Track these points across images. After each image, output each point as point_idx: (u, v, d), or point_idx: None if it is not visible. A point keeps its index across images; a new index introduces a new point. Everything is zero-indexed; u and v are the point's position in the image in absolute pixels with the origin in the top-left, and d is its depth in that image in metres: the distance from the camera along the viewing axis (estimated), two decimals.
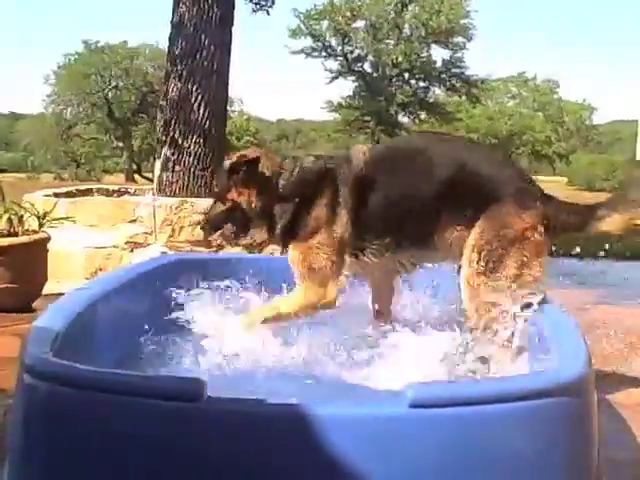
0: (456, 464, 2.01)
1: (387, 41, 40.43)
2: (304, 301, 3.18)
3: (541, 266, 3.08)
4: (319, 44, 40.45)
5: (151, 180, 8.25)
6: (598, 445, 2.33)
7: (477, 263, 3.03)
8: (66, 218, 6.15)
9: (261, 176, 3.24)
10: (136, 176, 39.46)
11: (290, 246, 3.23)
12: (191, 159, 7.59)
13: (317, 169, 3.26)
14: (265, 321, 3.15)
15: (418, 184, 3.12)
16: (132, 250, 6.58)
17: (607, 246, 8.27)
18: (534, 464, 2.10)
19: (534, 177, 3.53)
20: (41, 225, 5.78)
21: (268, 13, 9.93)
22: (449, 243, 3.14)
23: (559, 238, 3.24)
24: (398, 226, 3.15)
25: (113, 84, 41.36)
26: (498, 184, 3.08)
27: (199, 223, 3.54)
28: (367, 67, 41.62)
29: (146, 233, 6.63)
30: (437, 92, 42.55)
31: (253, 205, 3.24)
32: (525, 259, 3.03)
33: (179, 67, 7.69)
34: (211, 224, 3.38)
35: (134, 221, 6.69)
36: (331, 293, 3.18)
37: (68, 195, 7.31)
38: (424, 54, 40.49)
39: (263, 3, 10.24)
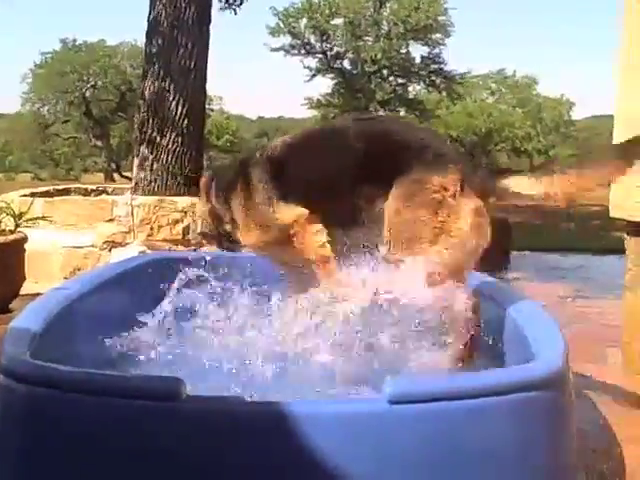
0: (437, 459, 2.02)
1: (366, 38, 40.44)
2: (303, 232, 3.11)
3: (461, 231, 2.86)
4: (298, 42, 40.40)
5: (130, 179, 8.20)
6: (575, 436, 2.35)
7: (389, 244, 2.91)
8: (42, 218, 6.11)
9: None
10: (115, 175, 39.23)
11: (243, 239, 3.26)
12: (169, 158, 7.56)
13: (229, 165, 3.39)
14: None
15: (332, 160, 3.08)
16: (110, 250, 6.54)
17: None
18: (514, 458, 2.11)
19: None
20: (17, 225, 5.74)
21: (235, 12, 9.87)
22: (374, 215, 2.99)
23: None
24: (320, 204, 3.05)
25: (91, 83, 41.05)
26: (411, 151, 2.95)
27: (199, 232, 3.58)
28: (346, 64, 41.64)
29: (124, 232, 6.60)
30: (417, 89, 42.70)
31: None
32: (439, 226, 2.86)
33: (156, 65, 7.65)
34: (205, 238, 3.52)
35: (112, 220, 6.65)
36: (299, 213, 3.10)
37: (45, 195, 7.25)
38: (403, 51, 40.57)
39: (231, 1, 10.20)
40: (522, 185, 3.00)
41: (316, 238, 3.07)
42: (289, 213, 3.07)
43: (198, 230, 3.52)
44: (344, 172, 3.02)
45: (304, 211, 3.06)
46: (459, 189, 2.88)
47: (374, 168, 2.95)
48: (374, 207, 2.98)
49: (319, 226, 3.07)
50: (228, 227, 3.34)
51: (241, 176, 3.19)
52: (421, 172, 2.90)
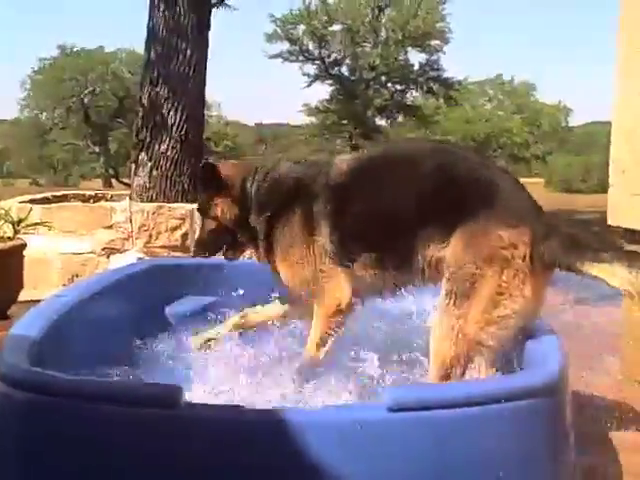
0: (436, 466, 2.02)
1: (364, 45, 40.49)
2: (322, 318, 2.89)
3: (525, 299, 2.58)
4: (296, 48, 40.44)
5: (129, 185, 8.20)
6: (573, 443, 2.36)
7: (447, 298, 2.64)
8: (41, 224, 6.10)
9: (227, 186, 3.07)
10: (113, 181, 39.21)
11: (277, 266, 3.01)
12: (168, 164, 7.56)
13: (292, 179, 3.00)
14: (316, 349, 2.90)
15: (397, 196, 2.79)
16: (109, 256, 6.54)
17: None
18: (513, 464, 2.12)
19: None
20: (16, 232, 5.74)
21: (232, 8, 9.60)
22: (430, 263, 2.75)
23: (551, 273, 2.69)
24: (378, 241, 2.81)
25: (89, 89, 41.04)
26: (483, 197, 2.67)
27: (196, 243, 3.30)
28: (344, 71, 41.65)
29: (123, 239, 6.60)
30: (414, 95, 42.72)
31: (229, 217, 3.08)
32: (503, 286, 2.58)
33: (155, 72, 7.66)
34: (204, 247, 3.21)
35: (111, 227, 6.65)
36: (338, 297, 2.87)
37: (44, 201, 7.25)
38: (401, 57, 40.60)
39: None
40: (613, 274, 2.54)
41: (322, 331, 2.88)
42: (334, 289, 2.86)
43: (197, 234, 3.28)
44: (410, 215, 2.75)
45: (346, 297, 2.87)
46: (529, 252, 2.59)
47: (439, 208, 2.70)
48: (429, 252, 2.73)
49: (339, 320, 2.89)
50: (243, 236, 3.11)
51: (298, 201, 2.93)
52: (489, 222, 2.62)
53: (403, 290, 2.93)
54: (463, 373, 2.57)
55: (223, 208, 3.06)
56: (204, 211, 3.13)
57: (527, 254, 2.58)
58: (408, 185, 2.78)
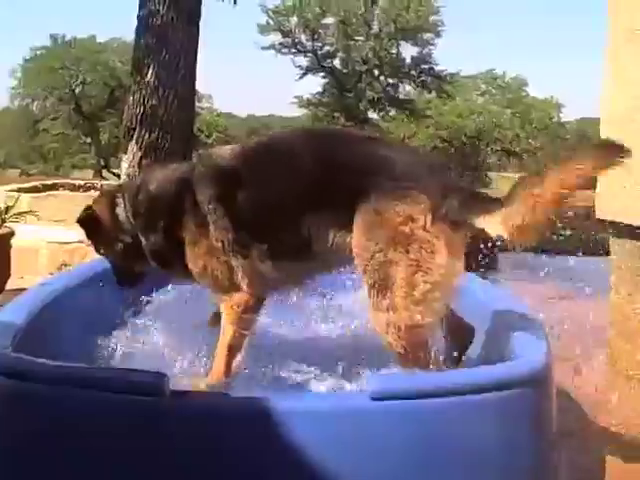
0: (418, 455, 2.03)
1: (356, 37, 40.45)
2: (228, 316, 2.80)
3: (440, 267, 2.47)
4: (288, 40, 40.36)
5: (119, 176, 8.17)
6: (556, 433, 2.37)
7: (370, 294, 2.55)
8: (29, 212, 6.09)
9: (100, 223, 3.02)
10: (104, 172, 39.07)
11: (192, 272, 2.86)
12: (158, 154, 7.53)
13: (169, 186, 2.88)
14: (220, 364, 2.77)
15: (282, 184, 2.70)
16: None
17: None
18: (495, 454, 2.13)
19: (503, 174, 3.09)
20: (4, 220, 5.72)
21: (235, 2, 9.66)
22: (336, 249, 2.65)
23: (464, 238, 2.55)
24: (271, 232, 2.72)
25: (80, 79, 40.86)
26: (370, 171, 2.56)
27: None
28: (337, 63, 41.62)
29: None
30: (407, 88, 42.73)
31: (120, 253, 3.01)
32: (413, 264, 2.47)
33: (146, 61, 7.62)
34: (122, 283, 3.16)
35: None
36: (242, 294, 2.77)
37: (32, 190, 7.23)
38: (393, 50, 40.59)
39: None
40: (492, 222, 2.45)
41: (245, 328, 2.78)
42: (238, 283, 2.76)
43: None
44: (296, 197, 2.66)
45: (246, 300, 2.77)
46: (429, 218, 2.48)
47: (328, 192, 2.61)
48: (326, 237, 2.65)
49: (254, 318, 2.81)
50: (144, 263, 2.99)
51: (186, 195, 2.79)
52: (381, 200, 2.52)
53: (308, 280, 2.91)
54: (424, 356, 2.53)
55: (106, 246, 3.06)
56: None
57: (427, 221, 2.47)
58: (288, 173, 2.71)
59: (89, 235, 3.08)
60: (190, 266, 2.83)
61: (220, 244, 2.75)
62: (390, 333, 2.51)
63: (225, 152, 2.88)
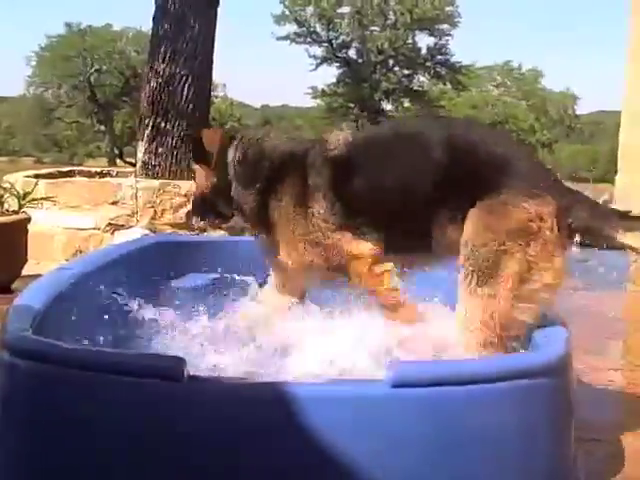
0: (437, 444, 2.02)
1: (372, 28, 40.35)
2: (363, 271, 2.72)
3: (554, 272, 2.49)
4: (304, 30, 40.30)
5: (133, 165, 8.19)
6: (574, 424, 2.36)
7: (469, 278, 2.51)
8: (46, 199, 6.11)
9: (207, 154, 2.93)
10: (118, 161, 39.22)
11: (275, 241, 2.84)
12: (174, 141, 7.53)
13: (283, 152, 2.85)
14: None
15: (402, 172, 2.66)
16: (113, 232, 6.54)
17: None
18: (514, 443, 2.12)
19: None
20: (21, 206, 5.74)
21: None
22: (447, 242, 2.62)
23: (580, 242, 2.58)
24: (386, 222, 2.67)
25: (96, 67, 40.99)
26: (499, 168, 2.53)
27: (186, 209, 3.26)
28: (352, 54, 41.56)
29: (128, 215, 6.60)
30: (422, 79, 42.62)
31: (205, 186, 2.97)
32: (531, 260, 2.47)
33: (163, 48, 7.61)
34: (193, 211, 3.11)
35: (116, 203, 6.65)
36: (363, 248, 2.69)
37: (49, 176, 7.25)
38: (409, 41, 40.46)
39: None
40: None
41: (385, 282, 2.69)
42: (357, 247, 2.69)
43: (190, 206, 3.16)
44: (419, 189, 2.62)
45: (373, 250, 2.69)
46: (556, 222, 2.49)
47: (453, 187, 2.57)
48: (446, 233, 2.61)
49: (389, 265, 2.71)
50: (233, 213, 2.97)
51: (294, 173, 2.77)
52: (512, 195, 2.49)
53: (410, 271, 2.79)
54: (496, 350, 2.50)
55: (199, 176, 3.00)
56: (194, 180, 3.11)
57: (554, 225, 2.48)
58: (415, 160, 2.66)
59: (195, 156, 3.03)
60: (277, 236, 2.82)
61: (324, 223, 2.70)
62: (481, 319, 2.48)
63: (342, 134, 2.82)
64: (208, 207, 3.03)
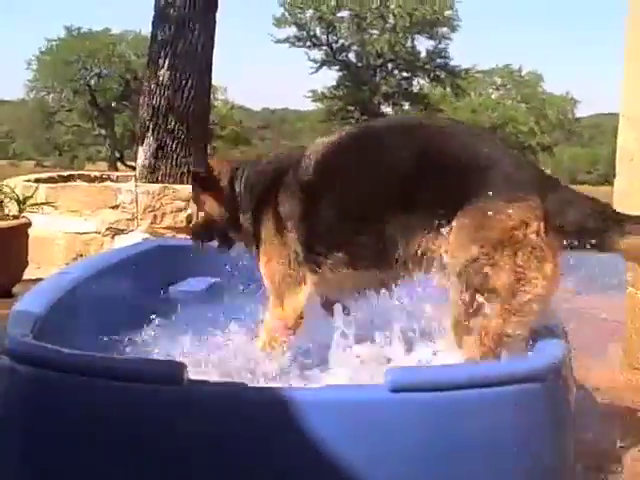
0: (437, 448, 2.02)
1: (372, 31, 40.37)
2: (271, 324, 2.78)
3: (546, 279, 2.38)
4: (304, 33, 40.33)
5: (133, 169, 8.19)
6: (573, 428, 2.36)
7: (460, 295, 2.42)
8: (46, 203, 6.12)
9: (217, 184, 2.99)
10: (119, 165, 39.20)
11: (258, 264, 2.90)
12: (174, 145, 7.54)
13: (263, 175, 2.89)
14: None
15: (374, 181, 2.56)
16: (113, 236, 6.55)
17: None
18: (513, 448, 2.12)
19: None
20: (21, 210, 5.75)
21: None
22: (417, 255, 2.52)
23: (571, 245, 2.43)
24: (353, 236, 2.59)
25: (95, 71, 41.00)
26: (480, 171, 2.40)
27: (188, 219, 3.25)
28: (352, 57, 41.59)
29: (128, 219, 6.60)
30: (421, 83, 42.65)
31: (216, 215, 3.01)
32: (519, 271, 2.36)
33: (162, 53, 7.62)
34: (196, 236, 3.14)
35: (116, 207, 6.65)
36: (289, 310, 2.74)
37: (49, 181, 7.25)
38: (408, 45, 40.49)
39: None
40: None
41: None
42: (295, 299, 2.72)
43: (194, 220, 3.15)
44: (386, 195, 2.52)
45: (300, 303, 2.71)
46: (543, 226, 2.36)
47: (427, 192, 2.45)
48: (414, 245, 2.51)
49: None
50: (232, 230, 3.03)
51: (273, 196, 2.77)
52: (493, 201, 2.36)
53: (385, 289, 2.71)
54: None
55: (211, 206, 3.01)
56: (196, 204, 3.11)
57: (541, 229, 2.35)
58: (386, 167, 2.55)
59: (206, 187, 3.03)
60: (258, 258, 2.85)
61: (292, 252, 2.71)
62: (475, 337, 2.42)
63: (316, 145, 2.79)
64: (216, 233, 3.08)
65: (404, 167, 2.50)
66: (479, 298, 2.38)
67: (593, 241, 2.41)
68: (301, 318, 2.75)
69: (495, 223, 2.36)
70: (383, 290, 2.71)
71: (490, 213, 2.36)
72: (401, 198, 2.49)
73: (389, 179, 2.53)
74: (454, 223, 2.41)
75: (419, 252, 2.51)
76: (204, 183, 3.01)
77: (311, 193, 2.67)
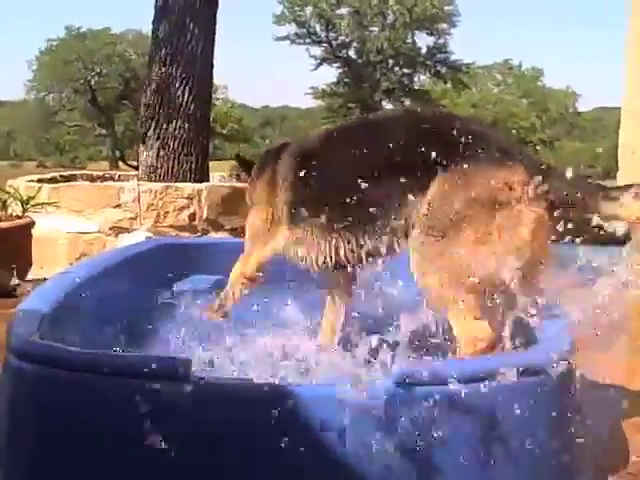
0: (442, 441, 2.03)
1: (371, 28, 40.36)
2: (234, 271, 3.05)
3: (520, 239, 2.36)
4: (303, 30, 40.32)
5: (135, 167, 8.19)
6: (578, 421, 2.37)
7: (425, 235, 2.44)
8: (49, 203, 6.13)
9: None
10: (120, 164, 39.23)
11: None
12: (176, 144, 7.54)
13: (271, 150, 3.12)
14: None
15: (355, 154, 2.66)
16: (117, 235, 6.55)
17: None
18: (518, 441, 2.13)
19: None
20: (25, 210, 5.76)
21: None
22: (402, 222, 2.57)
23: (558, 218, 2.43)
24: (338, 202, 2.65)
25: (96, 70, 41.03)
26: (471, 142, 2.45)
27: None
28: (352, 54, 41.56)
29: (131, 218, 6.60)
30: (422, 78, 42.65)
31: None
32: (494, 226, 2.36)
33: (163, 51, 7.62)
34: None
35: (119, 206, 6.65)
36: (252, 261, 2.99)
37: (52, 181, 7.26)
38: (408, 41, 40.47)
39: None
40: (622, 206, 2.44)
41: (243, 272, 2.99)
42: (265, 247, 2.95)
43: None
44: (369, 165, 2.61)
45: (264, 254, 2.95)
46: (528, 193, 2.37)
47: (407, 160, 2.52)
48: (399, 212, 2.56)
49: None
50: None
51: (269, 164, 3.01)
52: (481, 164, 2.40)
53: (369, 258, 2.73)
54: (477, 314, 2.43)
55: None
56: None
57: (525, 193, 2.36)
58: (373, 140, 2.64)
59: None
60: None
61: (277, 211, 2.89)
62: (439, 280, 2.42)
63: (314, 131, 3.04)
64: None
65: (391, 139, 2.59)
66: (446, 239, 2.39)
67: (581, 209, 2.46)
68: (258, 272, 2.98)
69: (478, 182, 2.38)
70: (363, 261, 2.75)
71: (474, 174, 2.39)
72: (388, 168, 2.56)
73: (376, 149, 2.62)
74: (435, 183, 2.46)
75: (403, 220, 2.55)
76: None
77: (304, 161, 2.82)
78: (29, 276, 5.66)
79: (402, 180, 2.50)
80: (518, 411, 2.12)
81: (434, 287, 2.45)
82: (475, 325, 2.44)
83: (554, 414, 2.24)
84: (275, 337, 2.91)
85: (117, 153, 41.43)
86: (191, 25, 7.55)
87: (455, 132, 2.47)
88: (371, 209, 2.58)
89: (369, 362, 2.57)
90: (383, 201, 2.57)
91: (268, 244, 2.93)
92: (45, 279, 3.14)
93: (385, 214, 2.58)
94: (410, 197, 2.50)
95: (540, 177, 2.38)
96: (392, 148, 2.57)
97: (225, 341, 2.79)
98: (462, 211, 2.39)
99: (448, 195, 2.42)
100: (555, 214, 2.41)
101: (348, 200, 2.59)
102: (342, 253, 2.74)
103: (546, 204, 2.39)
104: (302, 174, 2.78)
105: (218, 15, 7.95)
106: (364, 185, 2.56)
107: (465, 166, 2.41)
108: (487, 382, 2.06)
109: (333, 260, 2.78)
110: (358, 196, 2.57)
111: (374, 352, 2.61)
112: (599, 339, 4.45)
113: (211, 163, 8.11)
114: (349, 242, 2.71)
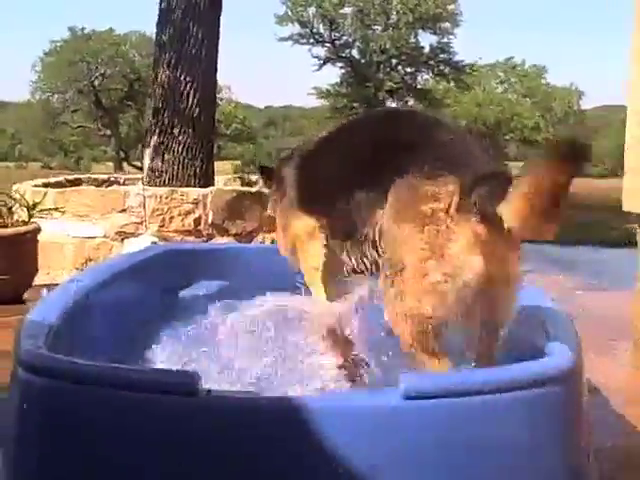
0: (451, 455, 2.02)
1: (374, 27, 40.30)
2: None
3: (454, 256, 2.25)
4: (306, 31, 40.28)
5: (139, 168, 8.20)
6: (588, 431, 2.36)
7: (383, 275, 2.44)
8: (55, 209, 6.13)
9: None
10: (124, 165, 39.27)
11: None
12: (180, 148, 7.55)
13: (283, 160, 3.13)
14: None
15: (341, 160, 2.69)
16: (122, 240, 6.56)
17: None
18: (527, 453, 2.12)
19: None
20: (31, 216, 5.77)
21: None
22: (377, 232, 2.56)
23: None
24: (327, 215, 2.74)
25: (100, 71, 41.05)
26: (415, 152, 2.41)
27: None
28: (355, 53, 41.50)
29: (136, 223, 6.61)
30: (425, 78, 42.57)
31: None
32: (426, 248, 2.28)
33: (167, 54, 7.63)
34: None
35: (124, 211, 6.66)
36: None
37: (57, 185, 7.27)
38: (412, 40, 40.39)
39: None
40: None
41: (312, 251, 2.85)
42: (298, 223, 2.88)
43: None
44: (351, 173, 2.62)
45: (309, 223, 2.83)
46: (455, 203, 2.26)
47: (375, 171, 2.51)
48: (373, 222, 2.54)
49: (320, 240, 2.82)
50: None
51: (277, 173, 3.09)
52: (414, 178, 2.35)
53: (357, 265, 2.69)
54: (434, 350, 2.38)
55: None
56: None
57: (452, 205, 2.25)
58: (354, 145, 2.69)
59: None
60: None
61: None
62: (398, 321, 2.38)
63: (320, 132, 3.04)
64: None
65: (365, 148, 2.61)
66: (396, 276, 2.36)
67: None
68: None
69: (409, 199, 2.35)
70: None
71: (407, 190, 2.36)
72: (363, 176, 2.55)
73: (355, 155, 2.65)
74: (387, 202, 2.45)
75: (376, 233, 2.53)
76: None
77: (301, 164, 2.92)
78: (35, 282, 5.68)
79: (373, 190, 2.51)
80: (528, 424, 2.11)
81: (401, 334, 2.42)
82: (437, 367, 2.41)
83: (566, 424, 2.24)
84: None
85: (121, 154, 41.45)
86: (195, 28, 7.56)
87: (403, 140, 2.49)
88: (353, 218, 2.59)
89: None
90: (362, 210, 2.56)
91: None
92: (51, 285, 3.13)
93: (365, 223, 2.56)
94: (379, 212, 2.49)
95: (470, 184, 2.24)
96: (359, 159, 2.61)
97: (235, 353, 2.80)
98: (400, 239, 2.36)
99: (391, 224, 2.41)
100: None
101: (335, 209, 2.67)
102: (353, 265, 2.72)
103: (479, 216, 2.22)
104: (299, 178, 2.90)
105: (222, 15, 7.96)
106: (349, 194, 2.59)
107: (405, 183, 2.38)
108: (498, 394, 2.05)
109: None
110: (343, 206, 2.62)
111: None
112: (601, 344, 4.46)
113: (215, 164, 8.12)
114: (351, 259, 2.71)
